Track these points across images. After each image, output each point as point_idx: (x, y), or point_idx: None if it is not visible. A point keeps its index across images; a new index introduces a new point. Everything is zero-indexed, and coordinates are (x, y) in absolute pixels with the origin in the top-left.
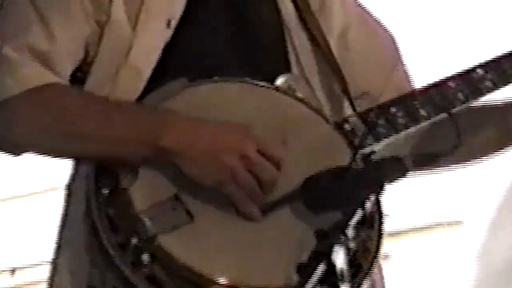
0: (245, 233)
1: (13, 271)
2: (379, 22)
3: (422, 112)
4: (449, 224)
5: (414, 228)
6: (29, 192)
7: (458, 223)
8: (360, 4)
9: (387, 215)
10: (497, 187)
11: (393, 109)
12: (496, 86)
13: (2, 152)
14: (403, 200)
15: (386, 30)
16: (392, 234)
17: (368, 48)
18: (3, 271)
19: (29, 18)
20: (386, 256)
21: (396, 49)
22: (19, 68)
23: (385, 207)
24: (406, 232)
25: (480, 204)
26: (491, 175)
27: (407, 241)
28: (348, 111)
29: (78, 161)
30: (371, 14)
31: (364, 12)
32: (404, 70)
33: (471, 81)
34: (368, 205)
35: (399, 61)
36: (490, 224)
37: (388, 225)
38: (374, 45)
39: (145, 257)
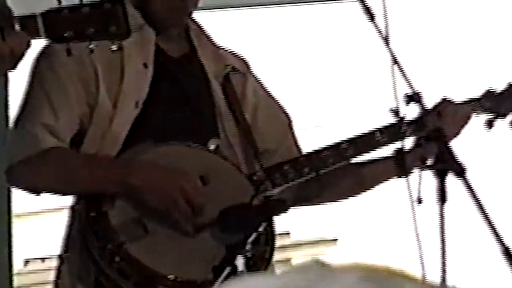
0: (183, 244)
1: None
2: (278, 103)
3: (305, 170)
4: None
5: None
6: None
7: (334, 240)
8: (265, 88)
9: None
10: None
11: (285, 167)
12: (358, 154)
13: (27, 192)
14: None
15: (281, 107)
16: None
17: (269, 121)
18: None
19: (41, 102)
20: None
21: (289, 122)
22: (33, 138)
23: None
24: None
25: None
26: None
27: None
28: (257, 166)
29: None
30: (274, 98)
31: (269, 97)
32: (293, 136)
33: (339, 151)
34: (262, 228)
35: (290, 129)
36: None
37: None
38: (273, 119)
39: (117, 258)
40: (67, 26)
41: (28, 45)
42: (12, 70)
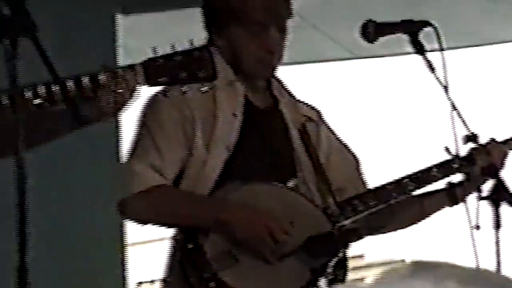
0: (269, 270)
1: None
2: (347, 146)
3: (372, 203)
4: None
5: None
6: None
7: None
8: (337, 137)
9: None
10: None
11: (355, 202)
12: (418, 187)
13: (135, 223)
14: None
15: (350, 151)
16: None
17: (340, 163)
18: None
19: (149, 146)
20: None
21: (357, 162)
22: (142, 176)
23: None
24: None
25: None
26: None
27: None
28: (330, 201)
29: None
30: (343, 142)
31: (339, 141)
32: (360, 174)
33: (401, 186)
34: (340, 254)
35: (358, 170)
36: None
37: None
38: (344, 161)
39: (212, 284)
40: (162, 72)
41: (133, 91)
42: (119, 114)
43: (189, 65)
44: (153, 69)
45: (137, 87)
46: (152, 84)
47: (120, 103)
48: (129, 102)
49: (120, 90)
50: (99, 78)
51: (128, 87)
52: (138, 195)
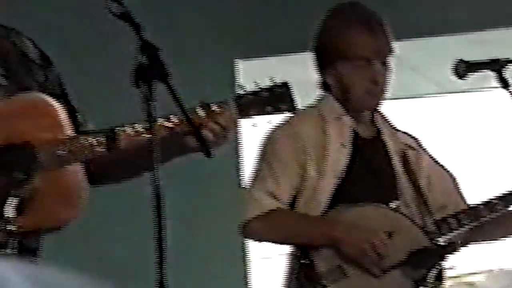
0: (376, 283)
1: None
2: (444, 167)
3: (465, 221)
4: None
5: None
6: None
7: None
8: (434, 158)
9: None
10: None
11: (450, 220)
12: (506, 207)
13: (255, 242)
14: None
15: (447, 170)
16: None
17: (441, 184)
18: None
19: (266, 174)
20: None
21: (454, 180)
22: (259, 201)
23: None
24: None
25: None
26: None
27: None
28: (428, 220)
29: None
30: (440, 164)
31: (437, 163)
32: (459, 190)
33: (491, 205)
34: (438, 266)
35: (456, 187)
36: None
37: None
38: (444, 182)
39: None
40: (252, 106)
41: (234, 123)
42: (224, 143)
43: (273, 100)
44: (244, 104)
45: (236, 119)
46: (243, 116)
47: (224, 134)
48: (230, 132)
49: (222, 122)
50: (197, 111)
51: (228, 119)
52: (257, 218)
